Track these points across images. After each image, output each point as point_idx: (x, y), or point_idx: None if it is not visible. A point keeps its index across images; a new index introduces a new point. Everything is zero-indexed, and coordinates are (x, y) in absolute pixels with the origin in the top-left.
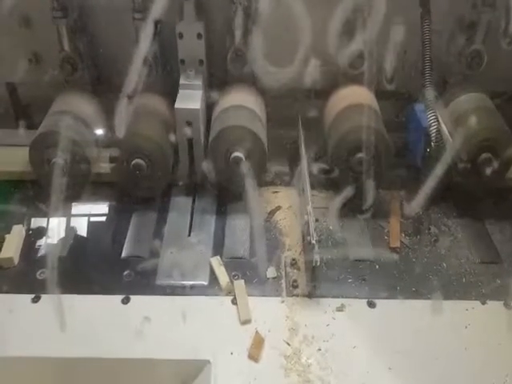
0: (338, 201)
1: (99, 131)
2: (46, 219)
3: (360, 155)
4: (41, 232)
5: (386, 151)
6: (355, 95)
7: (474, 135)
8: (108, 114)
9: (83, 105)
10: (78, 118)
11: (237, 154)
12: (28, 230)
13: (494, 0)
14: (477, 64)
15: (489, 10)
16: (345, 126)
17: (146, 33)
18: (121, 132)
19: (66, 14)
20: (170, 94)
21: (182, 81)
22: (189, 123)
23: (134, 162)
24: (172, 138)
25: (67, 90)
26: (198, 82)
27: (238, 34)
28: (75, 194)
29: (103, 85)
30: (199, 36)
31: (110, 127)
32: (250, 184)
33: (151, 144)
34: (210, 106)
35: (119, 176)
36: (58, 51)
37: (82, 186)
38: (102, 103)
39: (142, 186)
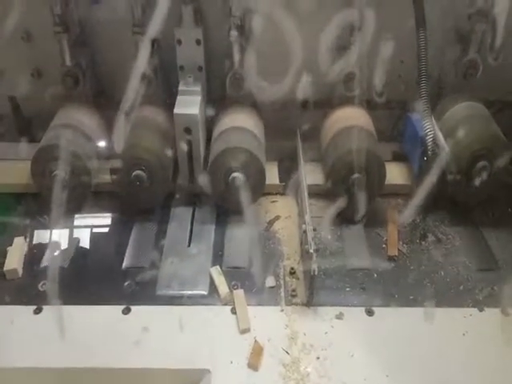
0: (333, 210)
1: (100, 144)
2: (47, 231)
3: (355, 176)
4: (42, 244)
5: (379, 170)
6: (350, 117)
7: (469, 144)
8: (109, 126)
9: (84, 118)
10: (79, 131)
11: (236, 174)
12: (30, 242)
13: (487, 11)
14: (471, 74)
15: (483, 20)
16: (340, 149)
17: (144, 50)
18: (119, 146)
19: (68, 29)
20: (170, 105)
21: (180, 87)
22: (188, 129)
23: (134, 173)
24: (170, 151)
25: (69, 103)
26: (197, 88)
27: (236, 55)
28: (76, 205)
29: (104, 98)
30: (198, 42)
31: (110, 140)
32: (247, 203)
33: (151, 155)
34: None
35: (120, 187)
36: (60, 66)
37: (83, 198)
38: (103, 116)
39: (143, 196)
